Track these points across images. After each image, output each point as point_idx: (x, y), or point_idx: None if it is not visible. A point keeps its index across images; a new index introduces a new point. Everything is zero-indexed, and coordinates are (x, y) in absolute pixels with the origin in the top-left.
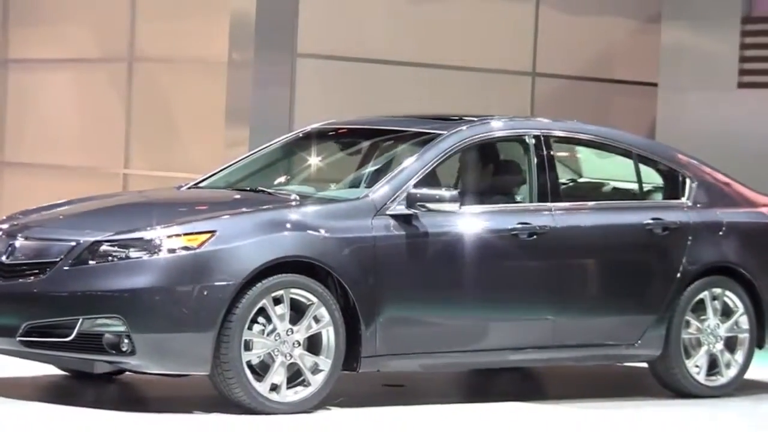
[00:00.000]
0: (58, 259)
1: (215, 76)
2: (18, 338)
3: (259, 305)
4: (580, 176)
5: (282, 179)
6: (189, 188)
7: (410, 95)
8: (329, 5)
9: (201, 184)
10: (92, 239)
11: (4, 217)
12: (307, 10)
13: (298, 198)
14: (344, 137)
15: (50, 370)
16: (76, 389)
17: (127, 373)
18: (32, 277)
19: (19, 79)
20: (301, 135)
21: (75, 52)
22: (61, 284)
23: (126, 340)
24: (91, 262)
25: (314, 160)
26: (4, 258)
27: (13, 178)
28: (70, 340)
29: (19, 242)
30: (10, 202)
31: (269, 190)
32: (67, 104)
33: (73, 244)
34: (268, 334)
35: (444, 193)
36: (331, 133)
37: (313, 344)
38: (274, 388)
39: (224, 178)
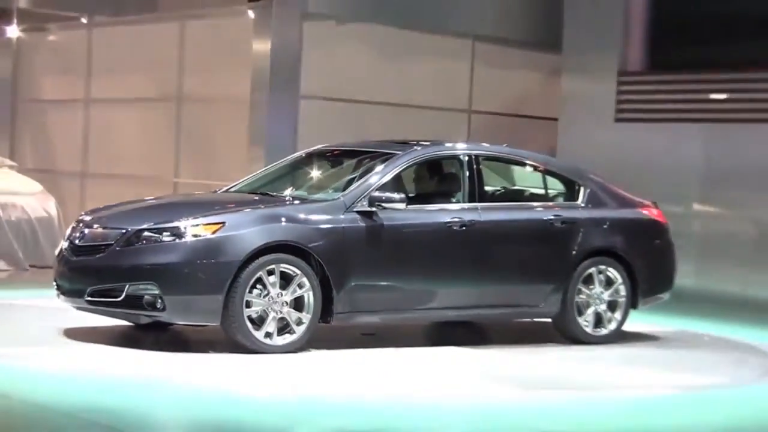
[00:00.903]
0: (113, 243)
1: (241, 111)
2: (85, 298)
3: (257, 275)
4: (505, 184)
5: (288, 186)
6: (222, 192)
7: (383, 126)
8: (325, 60)
9: (231, 189)
10: (137, 228)
11: (82, 213)
12: (308, 63)
13: (290, 199)
14: (335, 156)
15: (119, 322)
16: (138, 336)
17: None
18: (95, 255)
19: (99, 113)
20: (304, 155)
21: (138, 93)
22: (115, 260)
23: (159, 300)
24: (136, 244)
25: (313, 173)
26: (77, 241)
27: (94, 184)
28: (121, 300)
29: (88, 230)
30: (92, 202)
31: (273, 194)
32: (133, 131)
33: (124, 231)
34: (263, 297)
35: (395, 195)
36: (326, 154)
37: (297, 304)
38: (268, 335)
39: (249, 185)
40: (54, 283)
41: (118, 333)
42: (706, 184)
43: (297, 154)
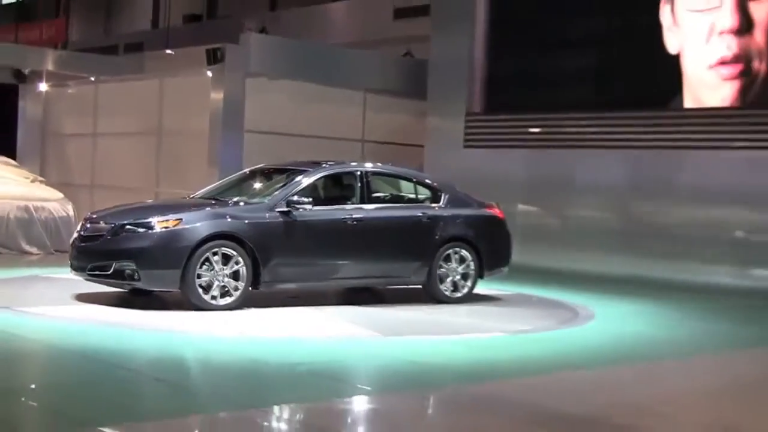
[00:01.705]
0: (105, 233)
1: (202, 142)
2: (87, 272)
3: (205, 256)
4: (390, 191)
5: (235, 194)
6: (189, 198)
7: (302, 152)
8: (261, 106)
9: (194, 196)
10: (122, 222)
11: (88, 213)
12: (250, 108)
13: (231, 202)
14: (269, 173)
15: (115, 289)
16: (130, 299)
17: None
18: (94, 242)
19: (102, 143)
20: (247, 172)
21: (130, 129)
22: (106, 245)
23: (136, 273)
24: (120, 234)
25: (253, 184)
26: (83, 233)
27: (99, 193)
28: (110, 273)
29: (90, 225)
30: (99, 205)
31: (222, 199)
32: (127, 156)
33: (113, 225)
34: (210, 270)
35: (304, 199)
36: (263, 171)
37: (234, 275)
38: (214, 297)
39: (207, 193)
40: (69, 262)
41: (115, 297)
42: (526, 191)
43: (242, 171)
